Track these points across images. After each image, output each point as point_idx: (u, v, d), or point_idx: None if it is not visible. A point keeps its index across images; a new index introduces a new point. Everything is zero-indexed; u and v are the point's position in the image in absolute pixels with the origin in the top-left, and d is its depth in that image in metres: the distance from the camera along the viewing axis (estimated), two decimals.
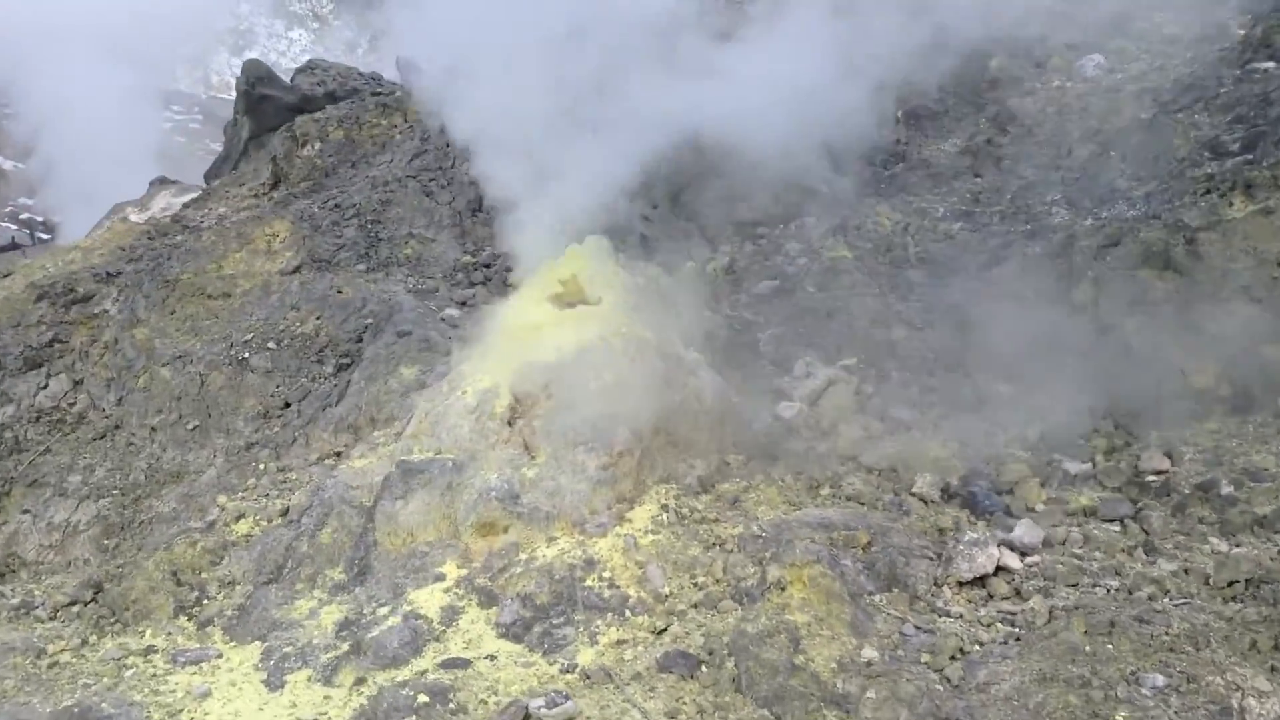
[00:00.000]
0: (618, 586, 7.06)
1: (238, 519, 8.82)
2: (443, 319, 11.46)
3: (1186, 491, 7.61)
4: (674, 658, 6.44)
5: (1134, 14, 14.41)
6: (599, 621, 6.88)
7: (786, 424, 8.70)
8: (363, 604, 7.53)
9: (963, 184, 12.54)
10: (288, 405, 10.99)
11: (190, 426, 10.92)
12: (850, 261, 11.01)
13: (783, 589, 6.81)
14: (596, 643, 6.75)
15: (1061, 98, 13.68)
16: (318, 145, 16.50)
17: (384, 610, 7.35)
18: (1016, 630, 6.39)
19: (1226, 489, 7.50)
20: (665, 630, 6.76)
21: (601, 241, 9.28)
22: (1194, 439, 8.19)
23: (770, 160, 11.92)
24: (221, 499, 9.32)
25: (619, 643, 6.72)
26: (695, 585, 7.06)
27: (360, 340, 11.88)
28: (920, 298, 10.40)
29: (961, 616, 6.62)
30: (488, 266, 13.47)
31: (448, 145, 15.30)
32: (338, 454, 9.95)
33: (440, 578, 7.51)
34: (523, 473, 7.84)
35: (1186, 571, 6.74)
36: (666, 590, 7.01)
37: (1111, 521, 7.51)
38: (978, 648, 6.28)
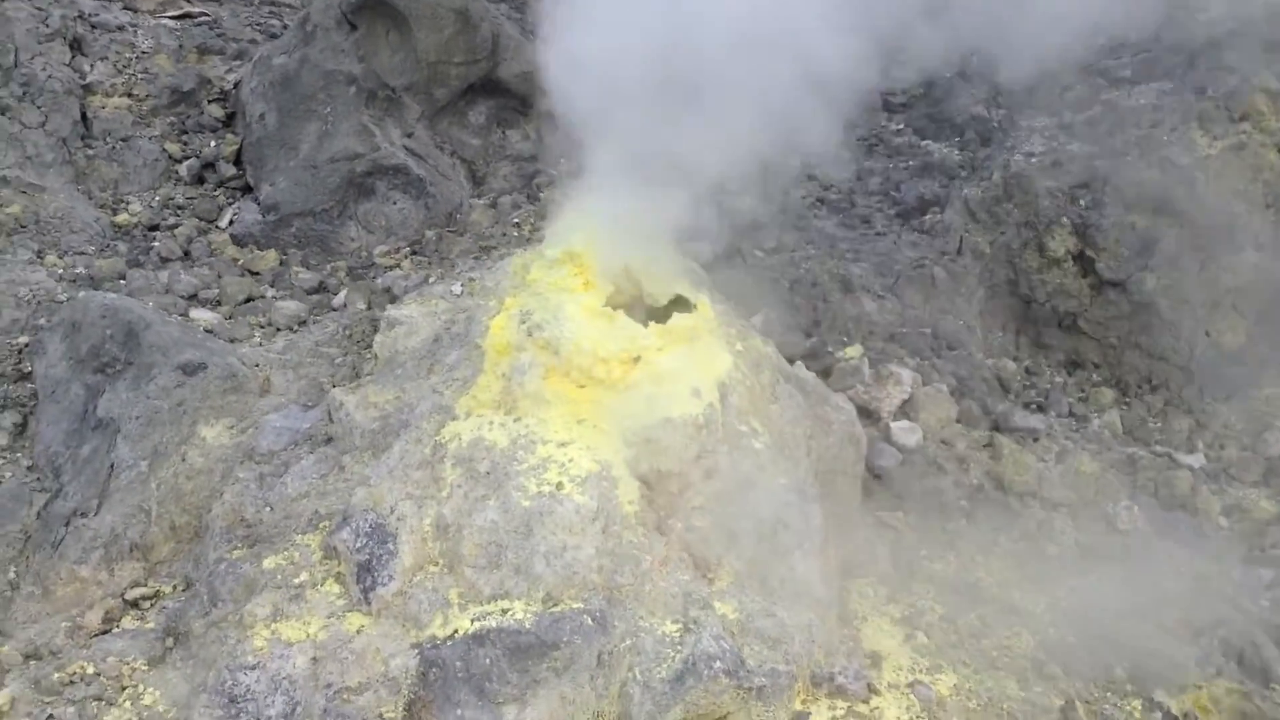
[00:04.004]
0: None
1: None
2: (209, 331, 6.98)
3: None
4: None
5: None
6: None
7: (916, 456, 6.26)
8: None
9: None
10: None
11: None
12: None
13: None
14: None
15: None
16: None
17: None
18: None
19: None
20: None
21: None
22: None
23: None
24: None
25: None
26: None
27: (25, 375, 6.95)
28: (849, 254, 8.40)
29: None
30: (155, 228, 8.69)
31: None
32: (133, 604, 5.48)
33: None
34: (719, 612, 4.59)
35: None
36: None
37: None
38: None
